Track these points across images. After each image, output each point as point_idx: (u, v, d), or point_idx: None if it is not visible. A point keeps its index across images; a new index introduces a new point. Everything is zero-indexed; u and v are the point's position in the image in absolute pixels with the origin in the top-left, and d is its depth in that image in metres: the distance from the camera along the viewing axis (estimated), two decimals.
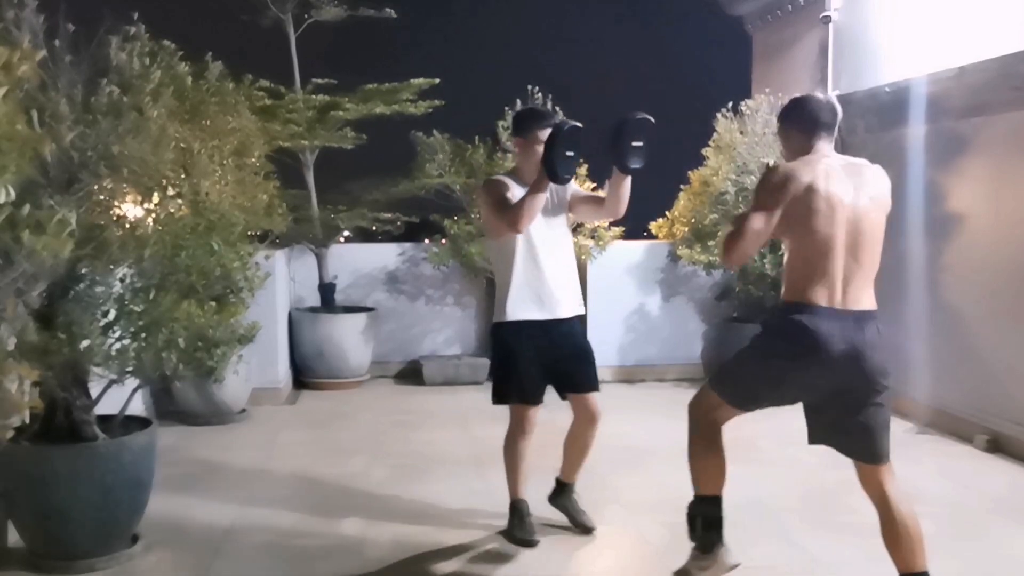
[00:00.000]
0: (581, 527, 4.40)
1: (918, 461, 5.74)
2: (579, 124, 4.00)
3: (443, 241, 8.47)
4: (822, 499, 4.83)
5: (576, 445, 4.39)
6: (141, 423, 4.25)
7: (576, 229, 7.52)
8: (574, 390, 4.27)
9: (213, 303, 4.02)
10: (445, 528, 4.47)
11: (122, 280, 3.92)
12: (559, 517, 4.47)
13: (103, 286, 3.86)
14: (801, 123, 3.44)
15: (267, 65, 8.24)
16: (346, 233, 9.53)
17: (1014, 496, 5.08)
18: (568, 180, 4.12)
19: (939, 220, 6.52)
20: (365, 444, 6.14)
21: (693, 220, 8.03)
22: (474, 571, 4.02)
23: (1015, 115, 5.75)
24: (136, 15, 3.90)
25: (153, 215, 3.90)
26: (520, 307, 4.16)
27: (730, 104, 7.92)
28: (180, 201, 4.10)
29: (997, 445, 5.82)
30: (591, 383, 4.27)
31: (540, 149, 4.04)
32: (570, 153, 3.95)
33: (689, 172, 8.32)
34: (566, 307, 4.23)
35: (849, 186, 3.25)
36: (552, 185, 4.09)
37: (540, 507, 4.41)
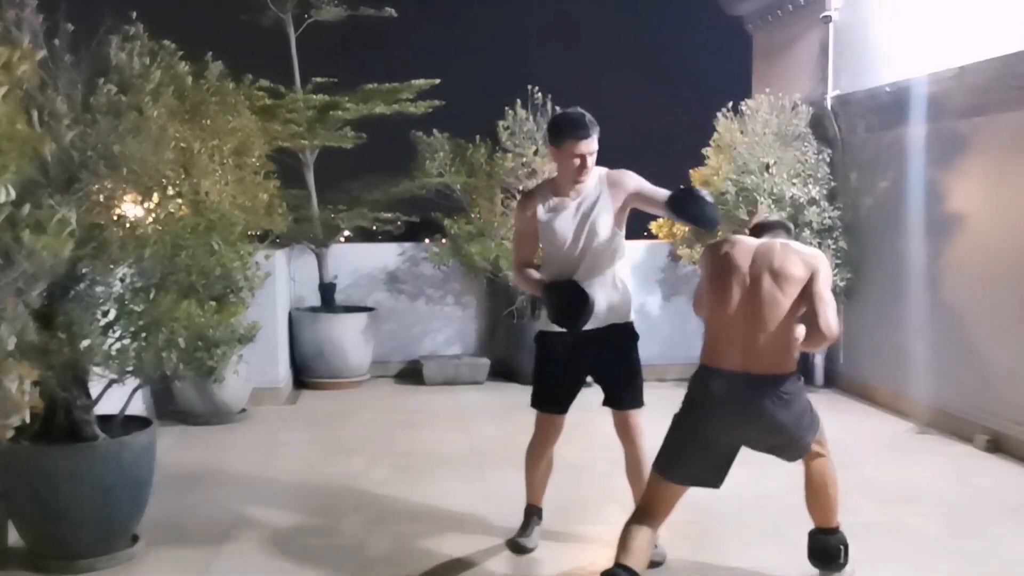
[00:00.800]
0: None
1: (918, 461, 5.74)
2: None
3: (443, 241, 8.47)
4: None
5: (627, 470, 4.11)
6: (141, 423, 4.25)
7: None
8: (609, 404, 4.09)
9: (213, 303, 4.02)
10: (445, 528, 4.47)
11: (122, 280, 3.92)
12: (560, 522, 4.46)
13: (103, 286, 3.86)
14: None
15: (267, 65, 8.26)
16: (346, 233, 9.54)
17: (1014, 496, 5.07)
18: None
19: (939, 220, 6.52)
20: (365, 444, 6.14)
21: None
22: (474, 571, 4.01)
23: (1015, 115, 5.75)
24: (136, 15, 3.89)
25: (153, 215, 3.90)
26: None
27: (730, 104, 7.92)
28: (180, 201, 4.10)
29: (997, 445, 5.82)
30: (625, 401, 4.06)
31: (574, 163, 3.90)
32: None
33: (689, 172, 8.32)
34: (607, 317, 4.02)
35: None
36: (586, 195, 3.98)
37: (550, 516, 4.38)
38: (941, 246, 6.52)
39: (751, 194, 7.28)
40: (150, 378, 4.34)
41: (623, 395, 4.07)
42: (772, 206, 7.17)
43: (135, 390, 4.24)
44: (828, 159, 7.72)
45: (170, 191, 4.05)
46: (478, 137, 8.28)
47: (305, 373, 7.99)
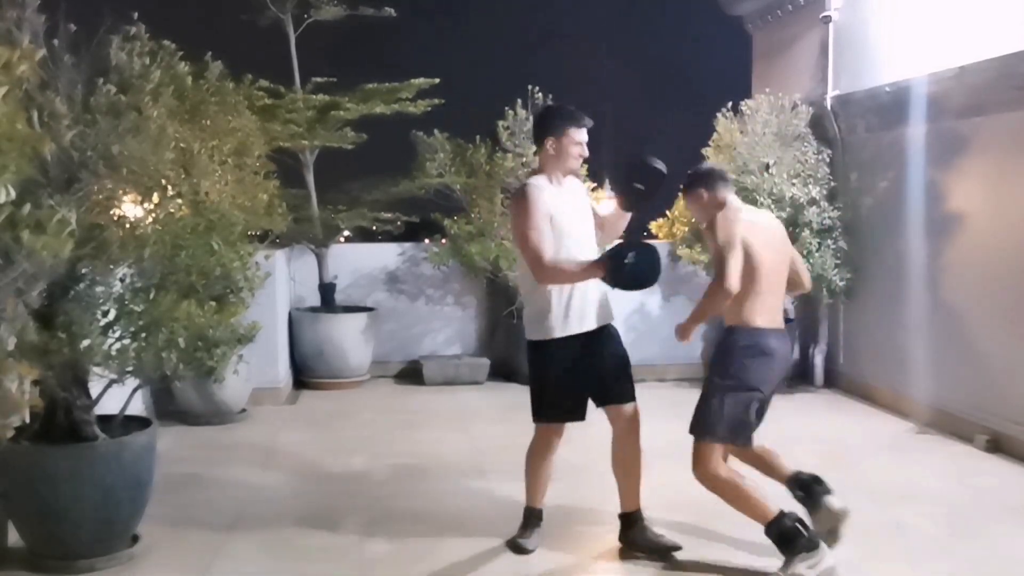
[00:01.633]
0: (665, 550, 4.09)
1: (918, 461, 5.74)
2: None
3: (443, 241, 8.47)
4: None
5: (622, 466, 4.16)
6: (141, 423, 4.25)
7: None
8: (612, 401, 4.12)
9: (213, 303, 4.02)
10: (445, 528, 4.47)
11: (122, 280, 3.92)
12: (560, 522, 4.46)
13: (103, 286, 3.87)
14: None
15: (267, 65, 8.25)
16: (346, 233, 9.54)
17: (1014, 496, 5.07)
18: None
19: (939, 220, 6.52)
20: (365, 444, 6.14)
21: (693, 220, 8.00)
22: (474, 571, 4.01)
23: (1015, 115, 5.75)
24: (136, 15, 3.90)
25: (153, 215, 3.90)
26: (562, 324, 4.00)
27: (730, 104, 7.92)
28: (180, 201, 4.10)
29: (997, 445, 5.82)
30: (628, 394, 4.12)
31: (575, 150, 3.98)
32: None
33: (689, 172, 8.31)
34: (602, 315, 4.09)
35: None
36: (572, 186, 4.06)
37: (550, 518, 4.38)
38: (941, 246, 6.52)
39: (751, 194, 7.28)
40: (150, 378, 4.34)
41: (626, 387, 4.14)
42: (772, 206, 7.17)
43: (135, 390, 4.24)
44: (828, 159, 7.72)
45: (170, 191, 4.04)
46: (478, 137, 8.28)
47: (305, 373, 7.99)
